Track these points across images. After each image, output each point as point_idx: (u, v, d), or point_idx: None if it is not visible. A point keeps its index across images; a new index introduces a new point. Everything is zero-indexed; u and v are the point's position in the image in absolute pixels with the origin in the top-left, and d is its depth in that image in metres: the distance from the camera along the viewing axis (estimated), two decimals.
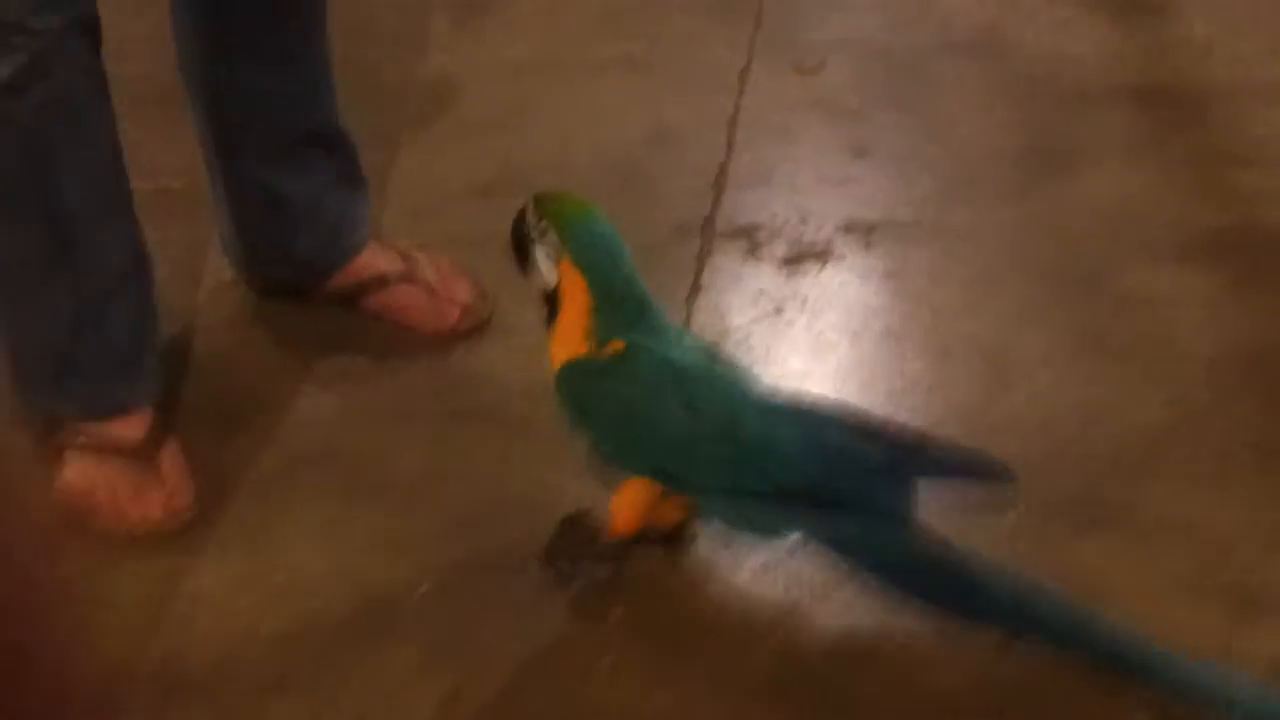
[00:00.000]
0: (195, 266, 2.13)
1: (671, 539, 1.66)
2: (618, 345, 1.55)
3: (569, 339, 1.56)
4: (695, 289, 2.09)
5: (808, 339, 2.00)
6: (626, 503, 1.59)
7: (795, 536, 1.62)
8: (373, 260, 2.02)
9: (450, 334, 2.00)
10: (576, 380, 1.56)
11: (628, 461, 1.57)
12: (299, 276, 2.01)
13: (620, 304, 1.56)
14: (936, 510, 1.68)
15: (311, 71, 1.90)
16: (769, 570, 1.64)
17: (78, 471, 1.72)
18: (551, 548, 1.64)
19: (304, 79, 1.90)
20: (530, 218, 1.56)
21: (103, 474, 1.71)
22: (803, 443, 1.53)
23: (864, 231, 2.20)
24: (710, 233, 2.21)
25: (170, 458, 1.74)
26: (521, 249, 1.59)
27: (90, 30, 1.61)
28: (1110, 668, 1.50)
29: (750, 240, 2.19)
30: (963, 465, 1.59)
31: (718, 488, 1.55)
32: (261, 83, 1.86)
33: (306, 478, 1.77)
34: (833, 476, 1.52)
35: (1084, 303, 2.06)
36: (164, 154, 2.34)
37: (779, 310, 2.05)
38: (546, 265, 1.56)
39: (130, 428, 1.74)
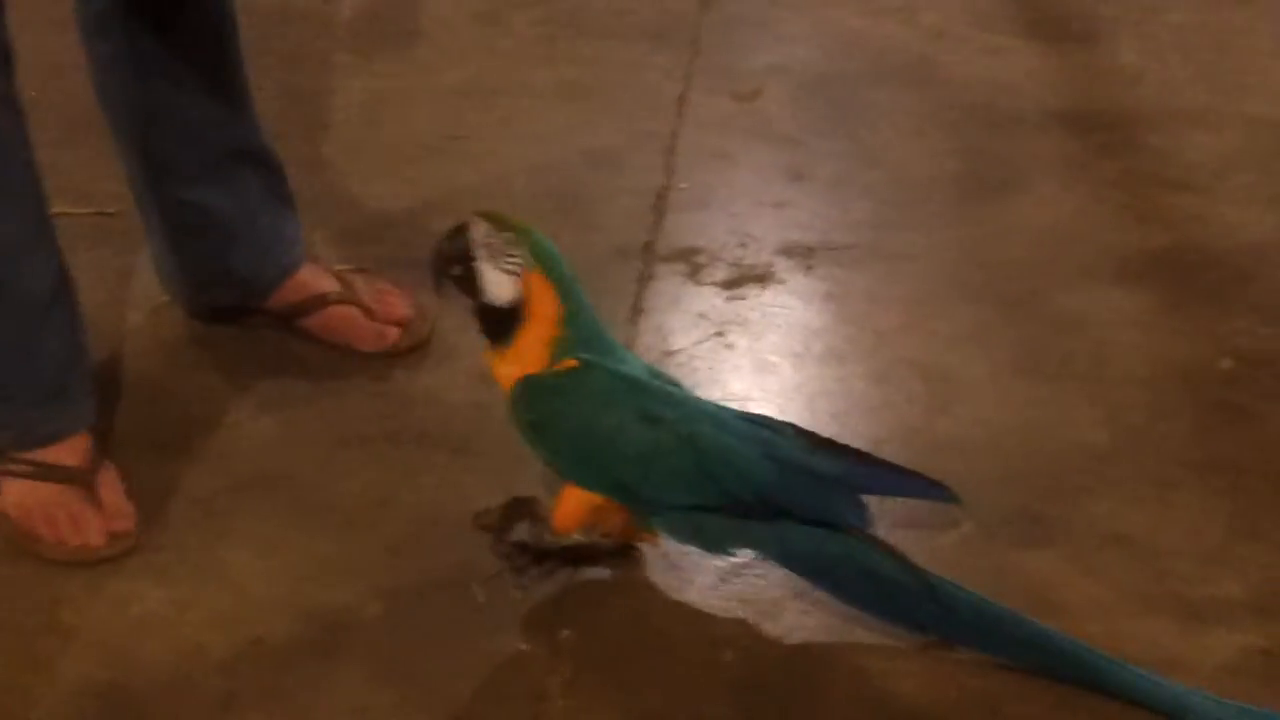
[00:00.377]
0: (130, 291, 2.11)
1: (618, 555, 1.66)
2: (571, 362, 1.54)
3: (528, 355, 1.55)
4: (636, 311, 2.09)
5: (750, 361, 2.00)
6: (569, 503, 1.58)
7: (746, 553, 1.62)
8: (310, 280, 2.00)
9: (390, 352, 1.99)
10: (534, 396, 1.55)
11: (585, 478, 1.57)
12: (237, 296, 1.99)
13: (586, 316, 1.57)
14: (884, 528, 1.70)
15: (234, 88, 1.89)
16: (719, 586, 1.64)
17: (14, 499, 1.69)
18: (500, 523, 1.64)
19: (227, 96, 1.89)
20: (478, 234, 1.54)
21: (40, 501, 1.69)
22: (757, 454, 1.53)
23: (803, 255, 2.22)
24: (651, 256, 2.22)
25: (108, 483, 1.72)
26: (455, 267, 1.56)
27: (4, 59, 1.59)
28: (1065, 677, 1.52)
29: (690, 264, 2.20)
30: (906, 483, 1.60)
31: (673, 503, 1.55)
32: (185, 103, 1.85)
33: (248, 501, 1.75)
34: (787, 488, 1.53)
35: (1021, 324, 2.08)
36: (97, 179, 2.32)
37: (720, 333, 2.06)
38: (501, 280, 1.54)
39: (66, 454, 1.71)
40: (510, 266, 1.54)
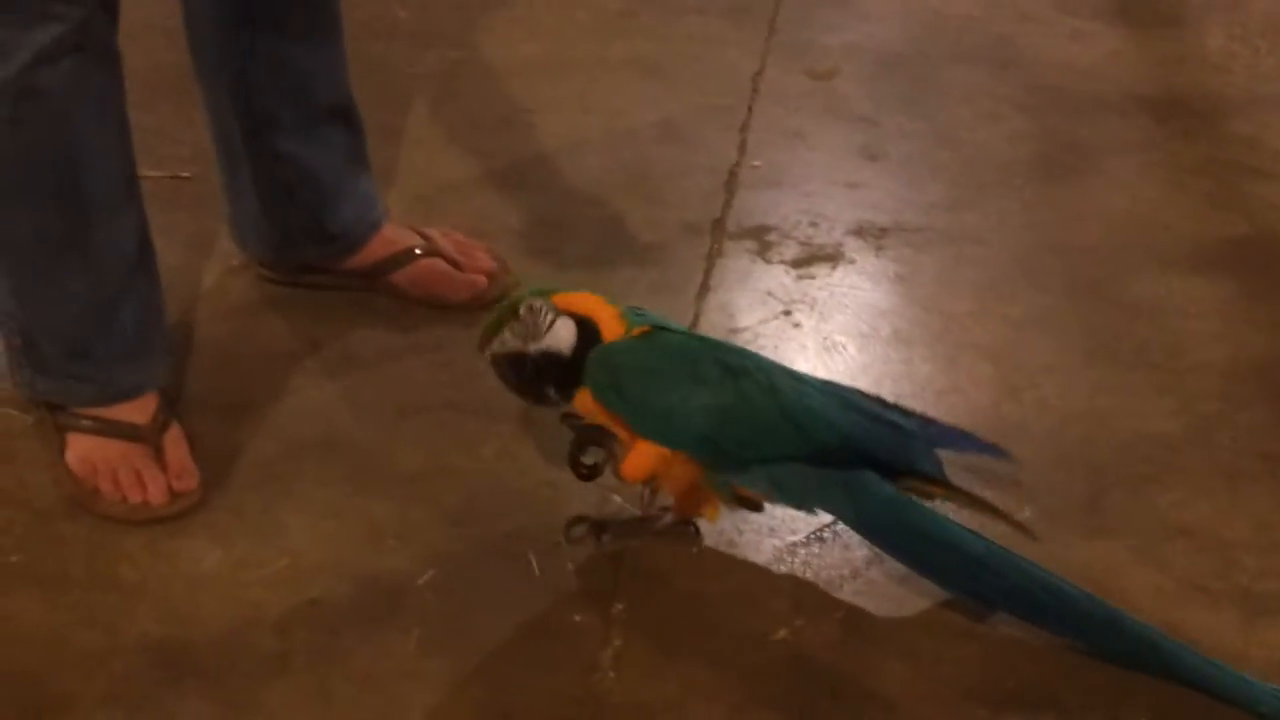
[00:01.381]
0: (203, 255, 2.12)
1: (676, 531, 1.65)
2: (645, 329, 1.56)
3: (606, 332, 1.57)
4: (704, 289, 2.08)
5: (816, 341, 1.99)
6: (641, 453, 1.56)
7: (822, 515, 1.61)
8: (395, 236, 2.02)
9: (479, 301, 2.00)
10: (613, 357, 1.54)
11: (668, 435, 1.55)
12: (328, 253, 2.01)
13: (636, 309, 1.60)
14: (945, 511, 1.68)
15: (331, 42, 1.90)
16: (774, 565, 1.63)
17: (81, 454, 1.71)
18: (573, 447, 1.62)
19: (325, 49, 1.90)
20: (524, 313, 1.54)
21: (106, 457, 1.70)
22: (836, 404, 1.55)
23: (874, 235, 2.20)
24: (720, 233, 2.21)
25: (174, 442, 1.73)
26: (531, 367, 1.55)
27: (111, 9, 1.60)
28: (1132, 662, 1.50)
29: (760, 242, 2.19)
30: (966, 440, 1.66)
31: (757, 455, 1.55)
32: (285, 54, 1.86)
33: (309, 466, 1.76)
34: (868, 434, 1.54)
35: (1094, 310, 2.05)
36: (172, 143, 2.35)
37: (787, 312, 2.04)
38: (554, 331, 1.54)
39: (135, 412, 1.73)
40: (547, 316, 1.54)
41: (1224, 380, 1.92)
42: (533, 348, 1.53)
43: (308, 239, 1.99)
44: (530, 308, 1.54)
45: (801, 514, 1.65)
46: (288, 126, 1.90)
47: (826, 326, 2.02)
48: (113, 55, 1.62)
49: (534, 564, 1.62)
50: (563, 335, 1.54)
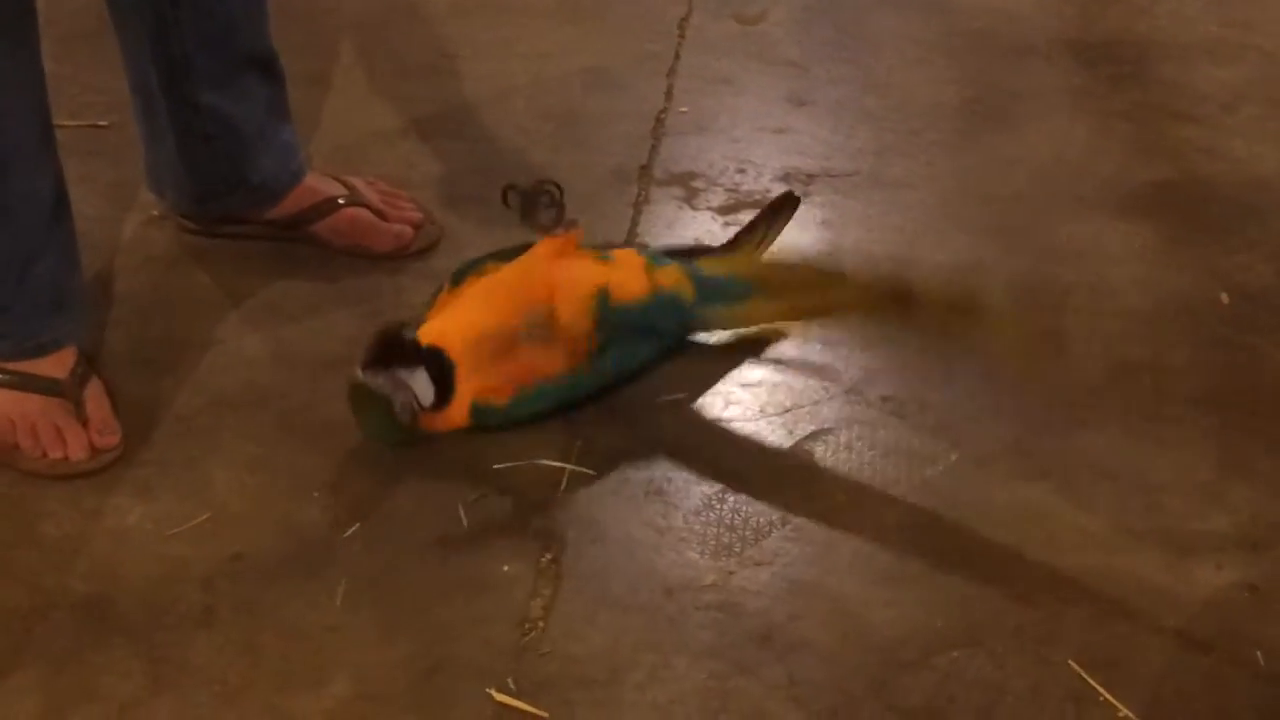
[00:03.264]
0: (120, 206, 2.09)
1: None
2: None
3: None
4: (632, 236, 2.06)
5: None
6: None
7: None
8: (317, 185, 2.00)
9: (403, 252, 1.99)
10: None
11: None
12: (248, 203, 1.97)
13: None
14: (873, 455, 1.69)
15: None
16: (703, 512, 1.63)
17: None
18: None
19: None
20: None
21: (23, 412, 1.67)
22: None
23: (802, 181, 2.19)
24: (648, 179, 2.19)
25: (94, 397, 1.70)
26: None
27: None
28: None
29: (687, 188, 2.17)
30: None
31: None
32: (207, 2, 1.82)
33: (232, 419, 1.74)
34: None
35: (1020, 255, 2.05)
36: (88, 92, 2.31)
37: None
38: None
39: (52, 366, 1.69)
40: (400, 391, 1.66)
41: (1148, 324, 1.93)
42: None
43: (227, 189, 1.96)
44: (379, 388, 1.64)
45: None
46: (207, 75, 1.86)
47: None
48: (24, 4, 1.58)
49: (462, 515, 1.61)
50: (421, 389, 1.65)
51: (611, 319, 1.73)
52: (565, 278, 1.72)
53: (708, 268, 1.84)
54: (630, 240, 2.05)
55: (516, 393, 1.69)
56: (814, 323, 1.88)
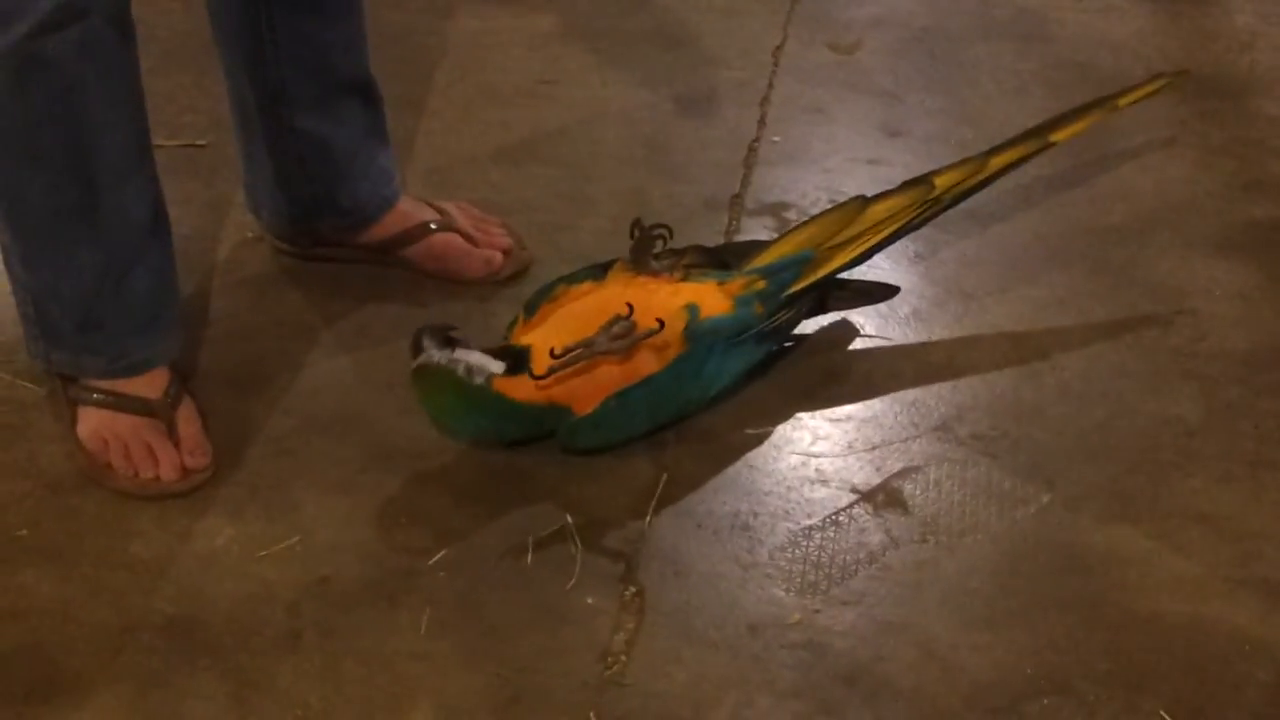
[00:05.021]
0: (218, 225, 2.11)
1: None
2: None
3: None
4: None
5: (832, 319, 1.96)
6: None
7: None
8: (410, 210, 2.01)
9: (494, 278, 2.00)
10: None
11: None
12: (340, 228, 1.99)
13: None
14: (962, 496, 1.67)
15: (350, 16, 1.88)
16: (789, 549, 1.61)
17: (92, 428, 1.70)
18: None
19: (343, 24, 1.87)
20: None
21: (117, 432, 1.69)
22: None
23: None
24: (739, 209, 2.18)
25: (186, 418, 1.72)
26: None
27: None
28: None
29: (778, 218, 2.16)
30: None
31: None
32: (302, 28, 1.84)
33: (321, 442, 1.75)
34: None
35: (1116, 293, 2.02)
36: (187, 111, 2.34)
37: None
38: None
39: (146, 386, 1.71)
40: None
41: (1246, 366, 1.89)
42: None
43: (320, 212, 1.97)
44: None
45: (817, 499, 1.65)
46: (303, 100, 1.88)
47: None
48: (125, 22, 1.59)
49: (547, 543, 1.61)
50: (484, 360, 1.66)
51: (702, 332, 1.73)
52: (647, 293, 1.73)
53: (760, 261, 1.86)
54: None
55: (603, 403, 1.69)
56: (872, 244, 1.88)
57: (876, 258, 1.93)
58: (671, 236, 1.79)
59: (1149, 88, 2.09)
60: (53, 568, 1.57)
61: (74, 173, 1.59)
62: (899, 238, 1.91)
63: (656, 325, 1.69)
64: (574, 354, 1.66)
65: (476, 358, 1.64)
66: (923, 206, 1.90)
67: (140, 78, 1.63)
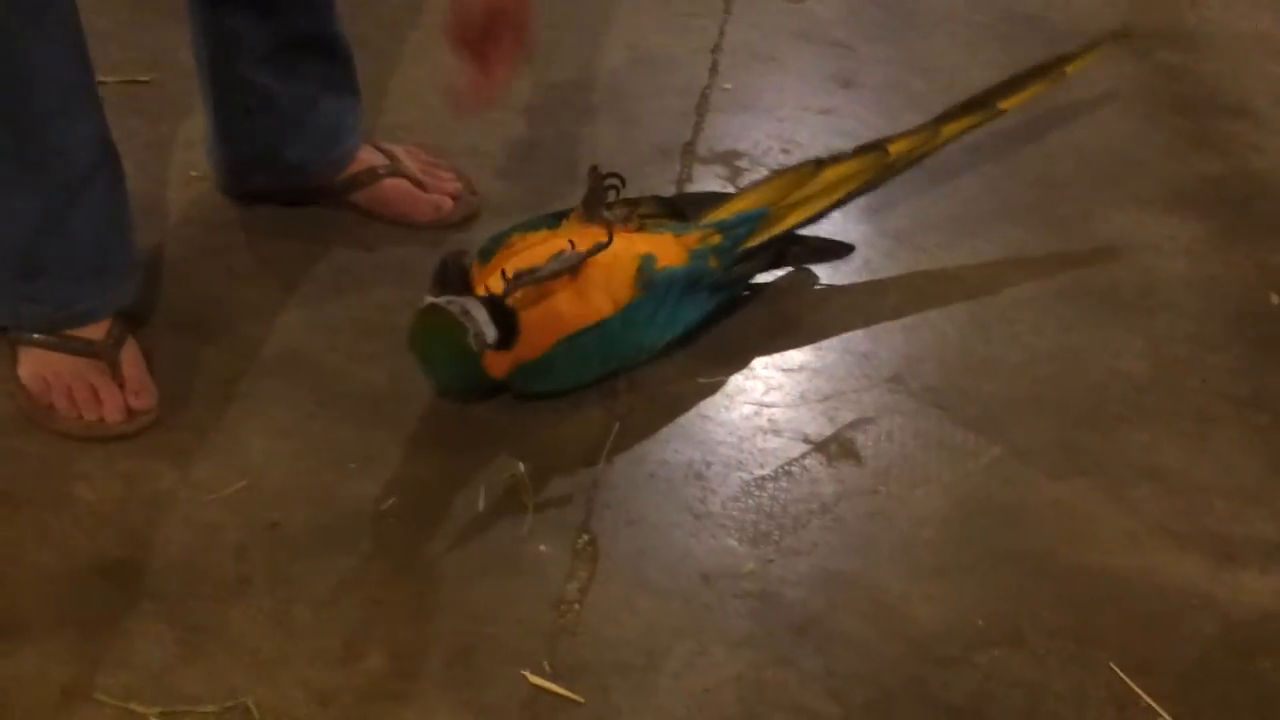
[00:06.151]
0: (160, 164, 2.07)
1: None
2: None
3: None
4: None
5: (786, 270, 1.96)
6: None
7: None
8: (359, 155, 1.97)
9: (443, 223, 1.98)
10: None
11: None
12: (281, 183, 1.95)
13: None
14: (913, 448, 1.67)
15: None
16: (742, 498, 1.61)
17: (34, 369, 1.66)
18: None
19: None
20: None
21: (58, 373, 1.66)
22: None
23: None
24: (690, 157, 2.17)
25: (131, 359, 1.69)
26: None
27: None
28: None
29: (731, 166, 2.15)
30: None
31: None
32: None
33: (271, 387, 1.72)
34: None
35: (1067, 247, 2.03)
36: (131, 48, 2.29)
37: None
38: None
39: (90, 327, 1.68)
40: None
41: (1195, 321, 1.91)
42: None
43: (260, 168, 1.94)
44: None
45: (770, 449, 1.66)
46: (254, 51, 1.84)
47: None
48: None
49: (499, 491, 1.60)
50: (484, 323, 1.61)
51: (657, 282, 1.73)
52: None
53: (716, 215, 1.86)
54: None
55: (554, 346, 1.68)
56: (826, 205, 1.91)
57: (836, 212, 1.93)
58: (624, 185, 1.78)
59: (1093, 53, 2.10)
60: None
61: (6, 116, 1.55)
62: (852, 199, 1.92)
63: (605, 239, 1.69)
64: (527, 277, 1.65)
65: (482, 318, 1.61)
66: (876, 171, 1.92)
67: (79, 18, 1.58)
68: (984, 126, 2.02)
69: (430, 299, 1.62)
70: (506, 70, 1.65)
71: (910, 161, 1.96)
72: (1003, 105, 2.01)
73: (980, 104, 2.01)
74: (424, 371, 1.69)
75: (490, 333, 1.61)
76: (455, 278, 1.63)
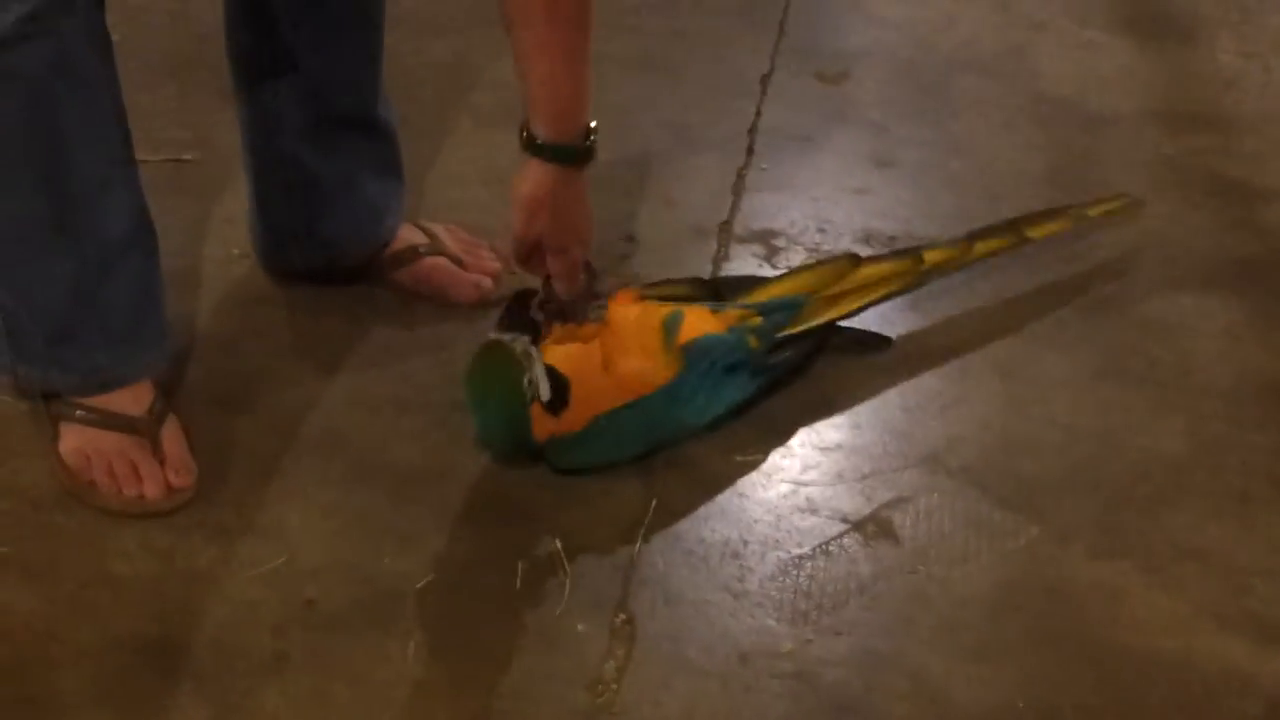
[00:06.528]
0: (201, 241, 2.09)
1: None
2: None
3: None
4: None
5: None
6: None
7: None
8: (400, 232, 1.99)
9: (483, 302, 1.98)
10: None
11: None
12: (323, 260, 1.97)
13: None
14: (951, 528, 1.66)
15: (353, 48, 1.85)
16: (779, 578, 1.60)
17: (75, 445, 1.68)
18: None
19: (347, 56, 1.85)
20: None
21: (100, 449, 1.67)
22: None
23: (883, 243, 2.17)
24: (728, 236, 2.18)
25: (171, 436, 1.70)
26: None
27: None
28: None
29: (768, 245, 2.16)
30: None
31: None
32: (309, 60, 1.81)
33: (308, 463, 1.73)
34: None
35: (1104, 327, 2.03)
36: (174, 126, 2.32)
37: None
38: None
39: (129, 402, 1.69)
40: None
41: (1233, 401, 1.90)
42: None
43: (297, 244, 1.96)
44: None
45: (807, 528, 1.66)
46: (296, 128, 1.86)
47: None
48: (98, 35, 1.57)
49: (537, 569, 1.60)
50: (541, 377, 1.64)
51: (697, 350, 1.75)
52: (625, 311, 1.78)
53: (757, 297, 1.89)
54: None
55: (592, 421, 1.68)
56: (861, 305, 1.94)
57: None
58: (596, 274, 1.80)
59: (1116, 204, 2.17)
60: (35, 586, 1.55)
61: (46, 185, 1.57)
62: (886, 301, 1.96)
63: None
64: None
65: (539, 371, 1.63)
66: (911, 278, 1.96)
67: (119, 91, 1.61)
68: (1012, 252, 2.07)
69: (494, 334, 1.63)
70: (573, 283, 1.74)
71: (943, 273, 2.00)
72: (1030, 234, 2.07)
73: (1009, 229, 2.06)
74: (472, 408, 1.69)
75: (545, 388, 1.61)
76: (522, 320, 1.65)
